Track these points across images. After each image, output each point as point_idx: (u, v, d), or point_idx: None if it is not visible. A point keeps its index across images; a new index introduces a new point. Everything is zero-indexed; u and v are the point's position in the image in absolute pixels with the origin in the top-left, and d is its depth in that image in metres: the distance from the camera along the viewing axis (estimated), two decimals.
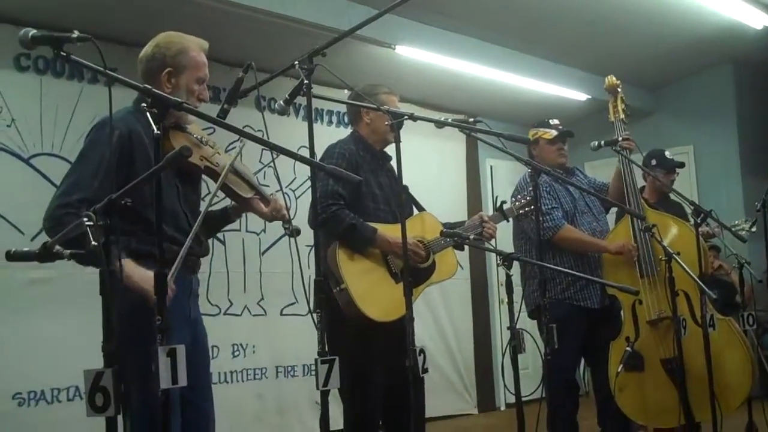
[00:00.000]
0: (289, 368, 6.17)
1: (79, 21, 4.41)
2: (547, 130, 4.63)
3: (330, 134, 6.45)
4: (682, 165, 5.36)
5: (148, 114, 1.90)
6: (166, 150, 1.96)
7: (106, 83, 5.07)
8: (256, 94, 2.78)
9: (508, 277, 3.30)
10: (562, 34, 6.78)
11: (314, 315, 2.29)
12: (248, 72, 2.72)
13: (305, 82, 2.61)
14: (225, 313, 5.81)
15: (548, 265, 3.57)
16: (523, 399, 3.10)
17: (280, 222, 3.00)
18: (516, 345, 3.17)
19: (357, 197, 3.66)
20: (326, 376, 2.37)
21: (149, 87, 2.00)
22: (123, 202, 1.68)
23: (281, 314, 6.23)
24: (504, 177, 8.33)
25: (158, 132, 1.91)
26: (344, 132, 6.52)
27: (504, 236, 4.25)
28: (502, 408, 8.02)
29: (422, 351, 2.73)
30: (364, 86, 3.76)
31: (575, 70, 7.58)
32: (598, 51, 7.13)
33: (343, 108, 6.35)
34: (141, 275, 2.43)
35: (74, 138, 5.07)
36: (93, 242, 1.64)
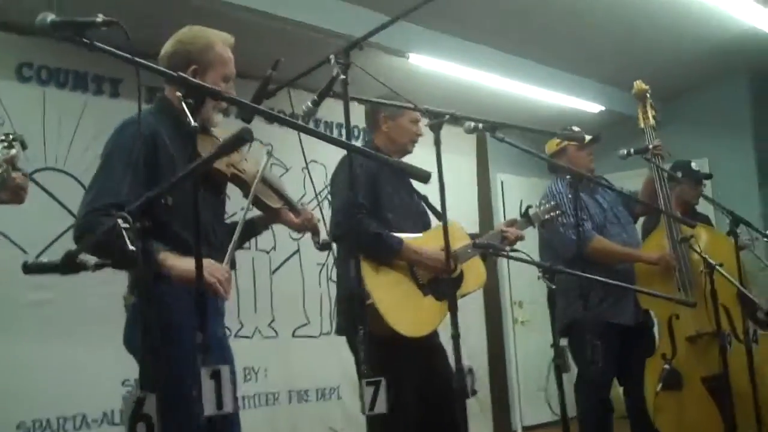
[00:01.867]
0: (303, 392, 5.94)
1: None
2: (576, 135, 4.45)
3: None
4: (709, 176, 5.22)
5: (184, 105, 1.70)
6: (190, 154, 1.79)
7: (111, 94, 5.09)
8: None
9: (551, 291, 3.12)
10: (577, 43, 6.64)
11: (342, 331, 2.12)
12: (277, 68, 2.58)
13: (341, 77, 2.46)
14: (236, 336, 5.58)
15: (595, 277, 3.38)
16: (552, 420, 2.94)
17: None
18: (561, 364, 3.00)
19: (378, 209, 3.52)
20: (372, 399, 2.16)
21: (184, 75, 1.80)
22: (163, 201, 1.48)
23: (293, 336, 6.05)
24: (515, 192, 8.25)
25: (195, 124, 1.71)
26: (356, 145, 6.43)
27: (528, 249, 4.05)
28: (519, 431, 7.78)
29: (470, 370, 2.53)
30: (383, 95, 3.60)
31: (589, 81, 7.47)
32: (612, 61, 7.01)
33: (355, 120, 6.21)
34: (186, 265, 2.24)
35: (79, 151, 4.93)
36: (130, 246, 1.43)
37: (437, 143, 2.68)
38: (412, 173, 1.70)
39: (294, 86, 2.70)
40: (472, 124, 2.73)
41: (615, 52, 6.86)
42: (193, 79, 1.78)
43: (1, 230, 4.65)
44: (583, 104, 7.45)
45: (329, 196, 6.07)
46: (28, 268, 1.83)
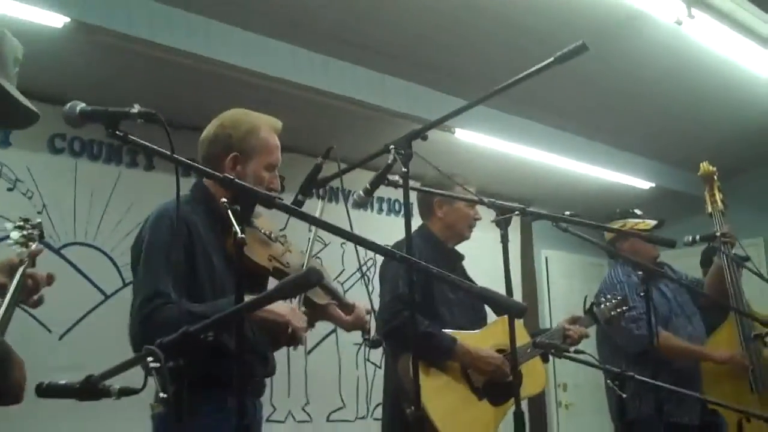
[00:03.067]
0: None
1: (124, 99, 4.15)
2: (639, 220, 4.18)
3: (381, 223, 6.10)
4: (747, 259, 4.89)
5: (230, 213, 1.46)
6: (229, 252, 1.56)
7: (146, 167, 4.92)
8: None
9: (621, 399, 2.85)
10: (626, 118, 6.42)
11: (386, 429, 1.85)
12: (329, 156, 2.45)
13: (402, 169, 2.27)
14: (268, 420, 5.29)
15: (672, 387, 3.07)
16: None
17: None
18: None
19: (430, 302, 3.35)
20: None
21: (231, 177, 1.57)
22: (203, 337, 1.22)
23: (328, 420, 5.78)
24: (560, 268, 8.03)
25: (242, 236, 1.48)
26: (396, 221, 6.23)
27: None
28: None
29: None
30: (436, 176, 3.42)
31: (639, 157, 7.23)
32: (663, 137, 6.78)
33: (394, 195, 6.02)
34: (274, 309, 2.29)
35: (110, 226, 4.77)
36: (162, 393, 1.18)
37: (504, 240, 2.51)
38: (500, 305, 1.44)
39: (346, 161, 2.51)
40: (500, 216, 2.57)
41: (668, 129, 6.64)
42: (241, 182, 1.55)
43: (27, 308, 4.42)
44: (634, 180, 7.19)
45: (369, 273, 5.97)
46: (43, 391, 1.58)
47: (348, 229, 2.24)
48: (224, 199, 1.54)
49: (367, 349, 5.87)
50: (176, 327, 1.35)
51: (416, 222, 5.95)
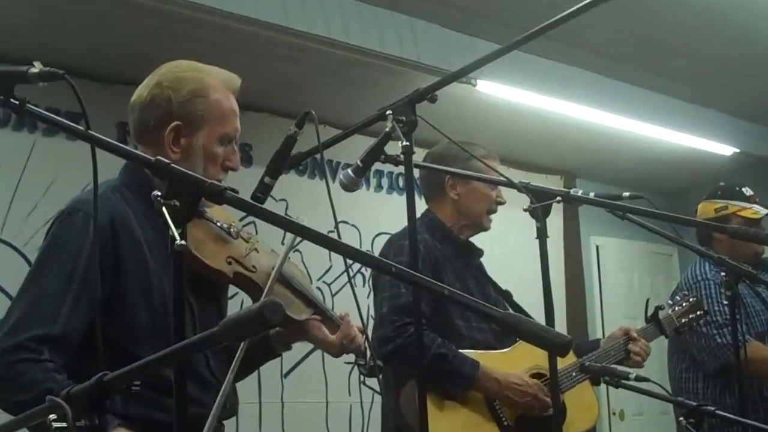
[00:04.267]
0: None
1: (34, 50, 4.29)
2: (746, 205, 4.12)
3: (376, 203, 6.06)
4: None
5: (165, 212, 1.46)
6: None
7: (69, 136, 4.87)
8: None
9: None
10: (700, 64, 6.39)
11: None
12: (303, 126, 2.36)
13: (404, 143, 2.23)
14: None
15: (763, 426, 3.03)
16: None
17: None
18: None
19: (442, 312, 3.26)
20: None
21: (165, 161, 1.54)
22: (125, 387, 1.15)
23: None
24: (615, 260, 8.03)
25: (182, 243, 1.48)
26: (397, 201, 6.17)
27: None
28: None
29: None
30: (447, 145, 3.37)
31: (719, 115, 7.19)
32: (751, 89, 6.76)
33: (397, 168, 5.96)
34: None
35: (23, 212, 4.79)
36: None
37: (542, 236, 2.44)
38: (535, 339, 1.36)
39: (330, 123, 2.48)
40: (535, 204, 2.51)
41: (757, 79, 6.59)
42: (182, 169, 1.49)
43: None
44: (711, 145, 7.17)
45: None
46: None
47: (332, 216, 2.24)
48: (157, 193, 1.46)
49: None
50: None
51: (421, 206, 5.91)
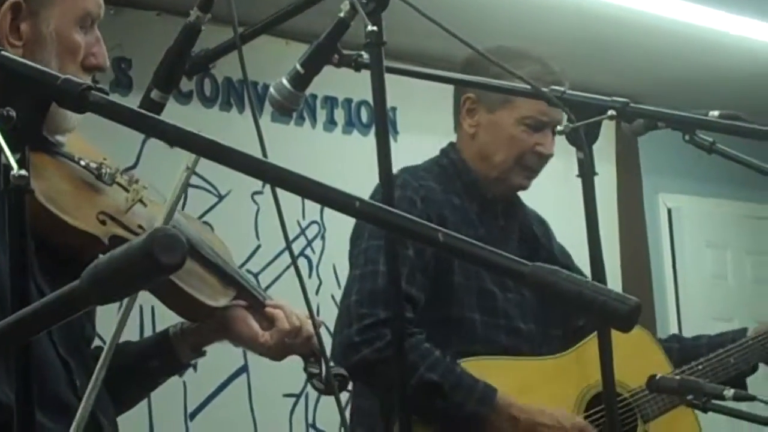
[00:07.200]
0: None
1: None
2: None
3: (328, 146, 5.14)
4: None
5: None
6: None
7: None
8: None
9: None
10: None
11: None
12: (210, 10, 1.87)
13: (370, 28, 1.78)
14: None
15: None
16: None
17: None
18: None
19: (445, 299, 2.75)
20: None
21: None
22: None
23: None
24: (697, 230, 6.72)
25: (23, 172, 1.19)
26: (362, 142, 5.14)
27: None
28: None
29: None
30: (469, 55, 2.71)
31: None
32: None
33: (359, 92, 4.91)
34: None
35: None
36: None
37: (587, 170, 1.97)
38: (585, 305, 1.01)
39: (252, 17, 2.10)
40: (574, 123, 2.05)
41: None
42: (16, 58, 1.33)
43: None
44: None
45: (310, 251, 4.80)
46: None
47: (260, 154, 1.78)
48: None
49: (312, 401, 4.78)
50: None
51: (404, 143, 4.81)
